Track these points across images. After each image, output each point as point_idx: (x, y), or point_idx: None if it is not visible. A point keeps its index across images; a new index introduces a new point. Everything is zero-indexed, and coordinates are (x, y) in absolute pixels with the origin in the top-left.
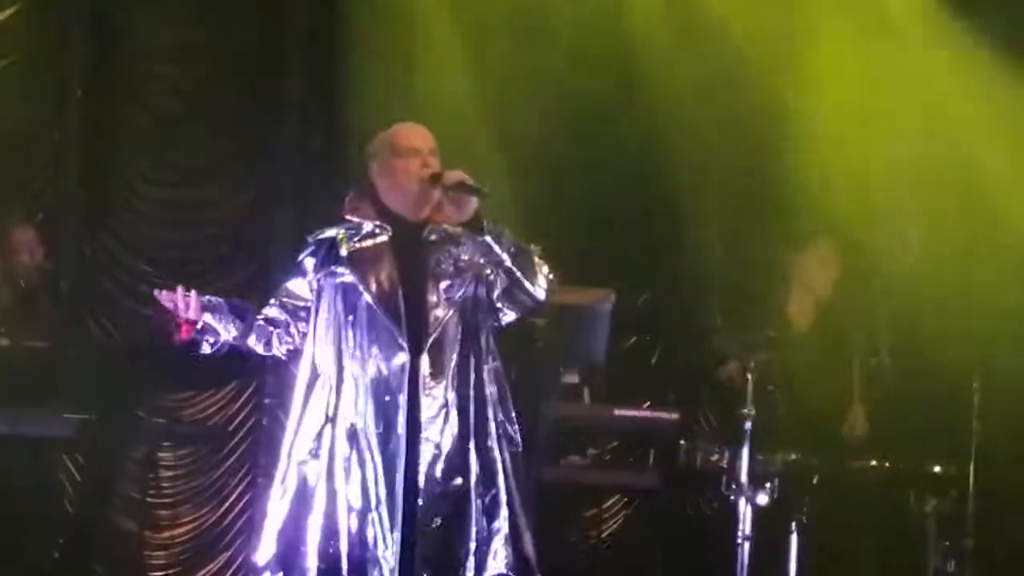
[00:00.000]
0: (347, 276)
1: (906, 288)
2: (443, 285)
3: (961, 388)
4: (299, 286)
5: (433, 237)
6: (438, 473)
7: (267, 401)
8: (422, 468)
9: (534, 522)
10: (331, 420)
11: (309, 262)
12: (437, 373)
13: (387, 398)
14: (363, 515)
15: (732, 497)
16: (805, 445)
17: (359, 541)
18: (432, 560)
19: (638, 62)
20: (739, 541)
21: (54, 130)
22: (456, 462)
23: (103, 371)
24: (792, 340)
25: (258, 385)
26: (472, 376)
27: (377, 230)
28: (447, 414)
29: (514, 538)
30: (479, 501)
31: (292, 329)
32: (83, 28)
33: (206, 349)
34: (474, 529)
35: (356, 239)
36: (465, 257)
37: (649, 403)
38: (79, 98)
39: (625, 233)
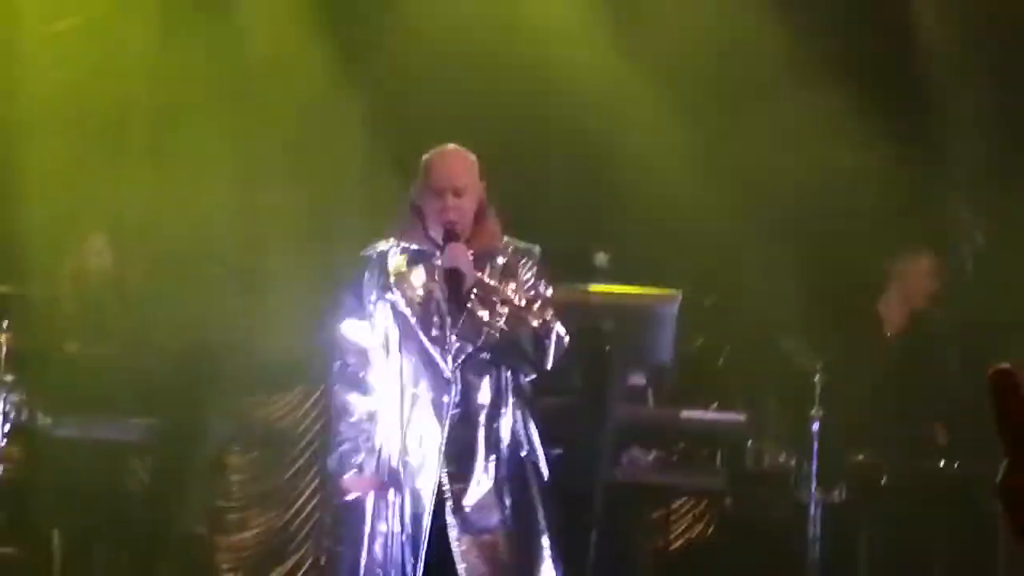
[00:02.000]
0: (395, 299)
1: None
2: (463, 337)
3: None
4: (357, 329)
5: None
6: (465, 513)
7: None
8: (450, 502)
9: (600, 526)
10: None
11: (366, 280)
12: (468, 406)
13: (427, 422)
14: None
15: (800, 497)
16: (876, 447)
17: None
18: None
19: None
20: (808, 542)
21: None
22: (488, 500)
23: (172, 375)
24: (873, 345)
25: (325, 389)
26: (501, 412)
27: (424, 251)
28: (474, 449)
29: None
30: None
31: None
32: None
33: None
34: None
35: (404, 260)
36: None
37: (716, 404)
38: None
39: (692, 234)
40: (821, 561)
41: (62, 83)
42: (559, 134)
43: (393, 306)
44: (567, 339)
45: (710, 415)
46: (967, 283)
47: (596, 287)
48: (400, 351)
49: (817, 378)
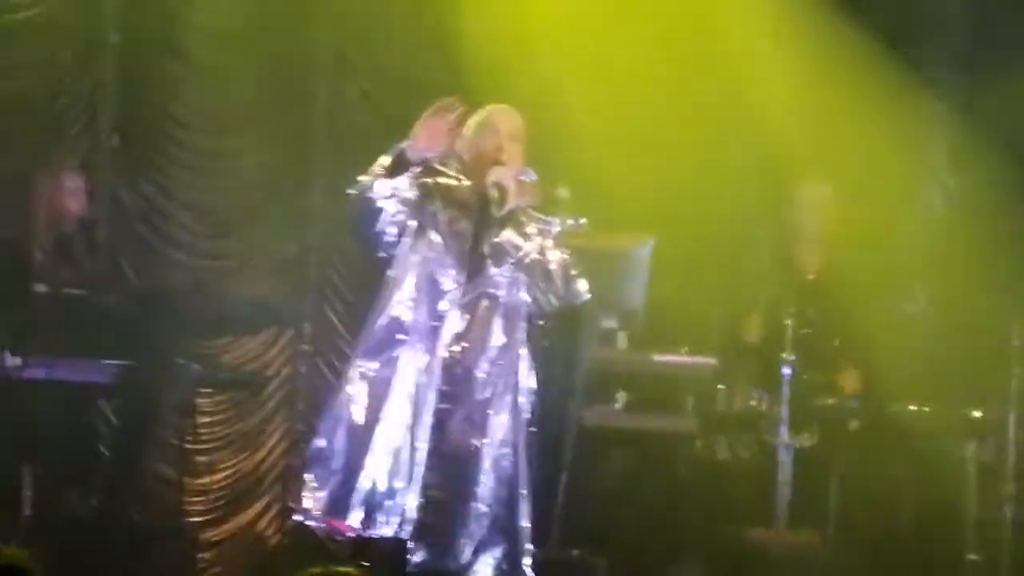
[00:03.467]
0: (436, 211)
1: (939, 237)
2: (492, 257)
3: (1002, 334)
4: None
5: (494, 212)
6: (451, 427)
7: (304, 348)
8: (431, 413)
9: (571, 470)
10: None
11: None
12: (473, 330)
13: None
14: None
15: (770, 441)
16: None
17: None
18: (433, 507)
19: None
20: (778, 486)
21: (88, 78)
22: (473, 422)
23: (140, 318)
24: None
25: (296, 332)
26: (506, 346)
27: (465, 184)
28: (471, 372)
29: (515, 509)
30: (490, 466)
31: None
32: None
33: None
34: (477, 490)
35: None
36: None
37: (687, 349)
38: (113, 45)
39: (666, 180)
40: (791, 504)
41: None
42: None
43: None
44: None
45: (681, 359)
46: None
47: (568, 230)
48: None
49: (789, 323)
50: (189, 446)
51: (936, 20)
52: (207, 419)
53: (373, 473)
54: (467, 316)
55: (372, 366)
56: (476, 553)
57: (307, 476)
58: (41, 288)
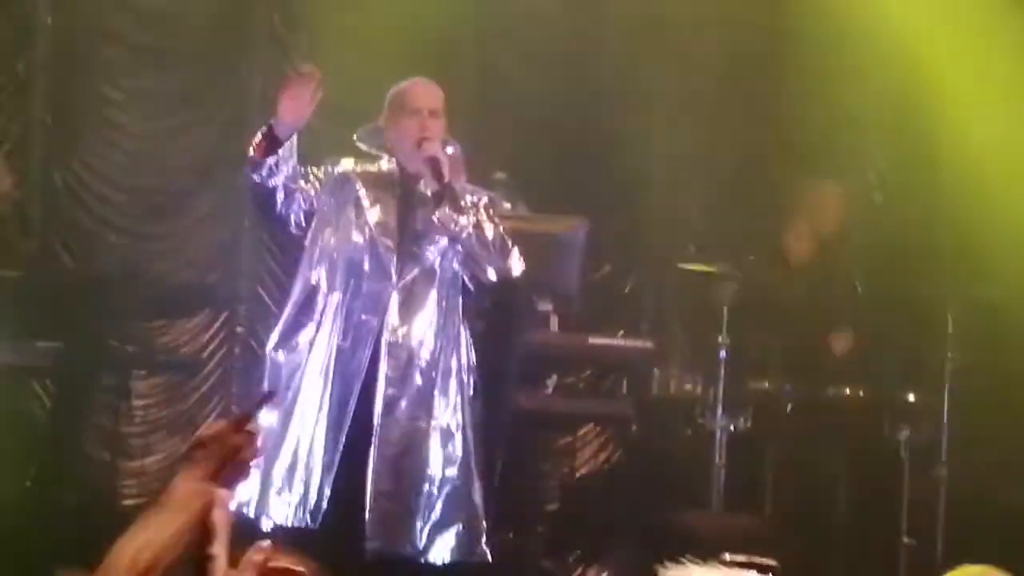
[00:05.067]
0: (357, 194)
1: (876, 219)
2: (424, 236)
3: (936, 317)
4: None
5: (423, 189)
6: (399, 411)
7: (239, 330)
8: (379, 399)
9: (505, 454)
10: (316, 323)
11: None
12: (413, 312)
13: (363, 317)
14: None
15: (705, 425)
16: (781, 373)
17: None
18: (386, 494)
19: None
20: (714, 470)
21: (20, 58)
22: (420, 403)
23: (74, 300)
24: (778, 273)
25: (230, 314)
26: (445, 325)
27: (386, 165)
28: (414, 354)
29: (468, 487)
30: (439, 446)
31: (303, 201)
32: None
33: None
34: (428, 472)
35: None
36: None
37: (623, 332)
38: (47, 26)
39: (598, 162)
40: (726, 489)
41: None
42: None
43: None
44: (516, 259)
45: (616, 342)
46: (874, 209)
47: (503, 213)
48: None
49: (723, 305)
50: (124, 429)
51: None
52: (142, 402)
53: (289, 461)
54: (404, 296)
55: (282, 352)
56: (432, 535)
57: None
58: None
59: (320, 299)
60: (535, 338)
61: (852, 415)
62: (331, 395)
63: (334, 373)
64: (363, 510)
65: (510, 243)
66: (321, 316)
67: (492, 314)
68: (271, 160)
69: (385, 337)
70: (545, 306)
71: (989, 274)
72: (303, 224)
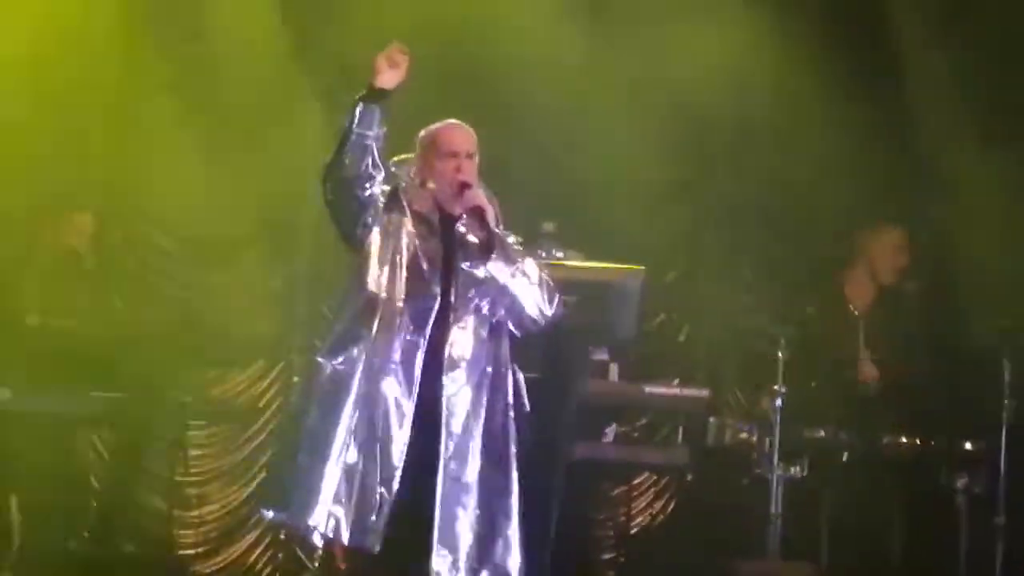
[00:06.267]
0: (407, 221)
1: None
2: (463, 278)
3: (992, 366)
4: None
5: (463, 232)
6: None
7: (295, 380)
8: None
9: (562, 503)
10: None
11: (372, 187)
12: (461, 356)
13: (409, 337)
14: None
15: (762, 473)
16: (837, 421)
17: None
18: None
19: None
20: (769, 518)
21: (80, 114)
22: (462, 447)
23: (130, 349)
24: (837, 321)
25: (286, 363)
26: (491, 372)
27: (431, 219)
28: (463, 396)
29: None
30: (484, 488)
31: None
32: None
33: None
34: (476, 513)
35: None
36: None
37: (678, 380)
38: (107, 79)
39: (654, 211)
40: (782, 537)
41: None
42: (516, 110)
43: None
44: (556, 297)
45: (672, 391)
46: (931, 256)
47: (559, 261)
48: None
49: (779, 354)
50: (180, 478)
51: None
52: (198, 452)
53: (333, 474)
54: (453, 337)
55: (333, 361)
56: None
57: (269, 472)
58: (33, 320)
59: (378, 310)
60: (592, 387)
61: (908, 463)
62: (384, 412)
63: (387, 390)
64: (429, 533)
65: (553, 285)
66: (376, 329)
67: (548, 363)
68: (374, 115)
69: (445, 370)
70: (602, 355)
71: None
72: (368, 225)
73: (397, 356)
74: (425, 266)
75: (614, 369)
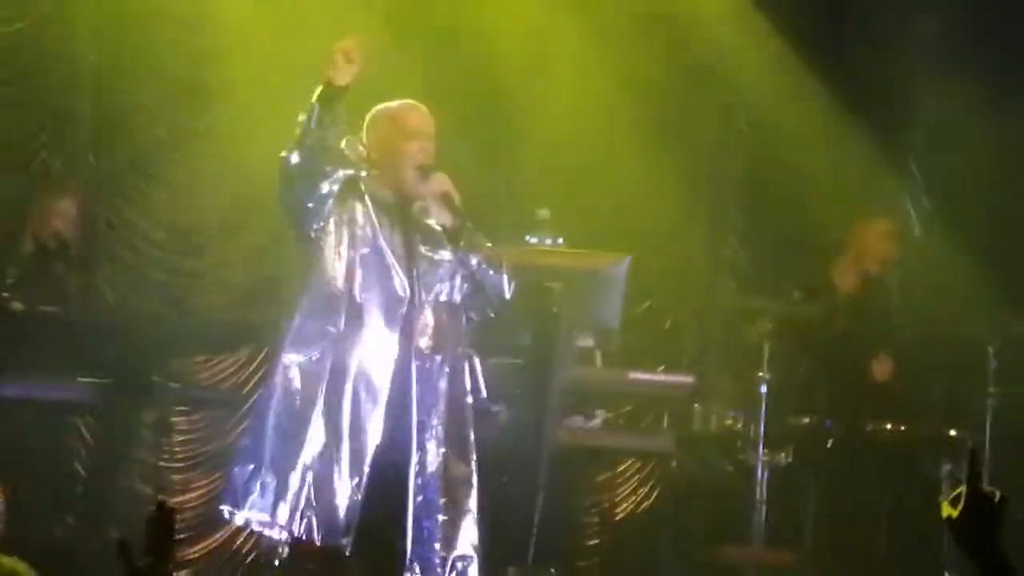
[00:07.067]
0: (367, 206)
1: (918, 255)
2: (424, 264)
3: (978, 353)
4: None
5: (419, 216)
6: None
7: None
8: (414, 421)
9: (545, 487)
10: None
11: (330, 184)
12: (428, 345)
13: (388, 332)
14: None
15: (747, 460)
16: (822, 408)
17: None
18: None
19: None
20: (754, 505)
21: (64, 96)
22: (429, 436)
23: (116, 336)
24: (823, 308)
25: (271, 349)
26: (451, 356)
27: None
28: (431, 384)
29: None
30: (447, 477)
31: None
32: None
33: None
34: (442, 501)
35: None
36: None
37: (663, 367)
38: (91, 63)
39: (641, 198)
40: (767, 524)
41: None
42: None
43: (359, 216)
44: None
45: (657, 377)
46: (915, 246)
47: (546, 248)
48: (355, 258)
49: (765, 341)
50: (165, 464)
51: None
52: (183, 437)
53: (302, 472)
54: (419, 326)
55: (299, 358)
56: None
57: (235, 471)
58: (17, 306)
59: (342, 305)
60: (577, 373)
61: (893, 450)
62: (353, 408)
63: (357, 384)
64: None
65: (510, 271)
66: (343, 324)
67: (533, 349)
68: (333, 114)
69: (413, 359)
70: (587, 341)
71: None
72: (321, 230)
73: (364, 350)
74: (387, 255)
75: (599, 356)
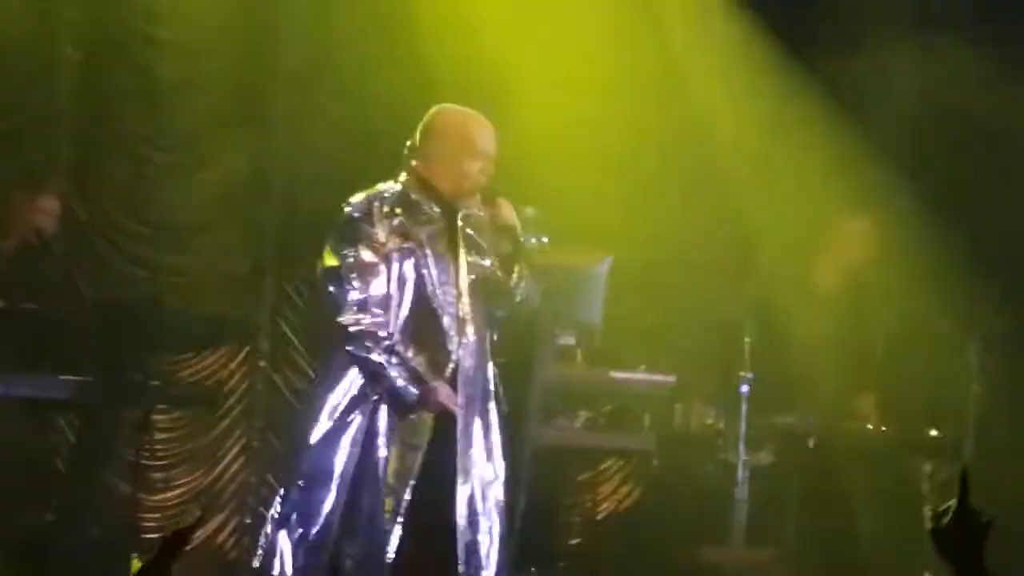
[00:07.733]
0: (412, 252)
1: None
2: (471, 277)
3: (959, 352)
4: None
5: (468, 231)
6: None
7: (261, 364)
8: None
9: (527, 489)
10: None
11: (380, 231)
12: (474, 366)
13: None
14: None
15: (728, 459)
16: (804, 407)
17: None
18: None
19: None
20: (735, 504)
21: (45, 91)
22: (470, 453)
23: (98, 333)
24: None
25: (252, 347)
26: (488, 366)
27: (435, 214)
28: (479, 408)
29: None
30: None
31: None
32: None
33: None
34: (490, 524)
35: (417, 217)
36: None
37: (644, 366)
38: (72, 59)
39: (624, 196)
40: (748, 523)
41: None
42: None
43: (408, 257)
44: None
45: (639, 376)
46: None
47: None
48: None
49: (747, 340)
50: (145, 462)
51: None
52: (164, 435)
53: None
54: (465, 351)
55: (330, 395)
56: None
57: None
58: None
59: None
60: (558, 372)
61: (875, 449)
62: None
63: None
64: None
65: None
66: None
67: (514, 348)
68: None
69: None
70: (568, 339)
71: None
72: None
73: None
74: (436, 287)
75: (580, 354)
